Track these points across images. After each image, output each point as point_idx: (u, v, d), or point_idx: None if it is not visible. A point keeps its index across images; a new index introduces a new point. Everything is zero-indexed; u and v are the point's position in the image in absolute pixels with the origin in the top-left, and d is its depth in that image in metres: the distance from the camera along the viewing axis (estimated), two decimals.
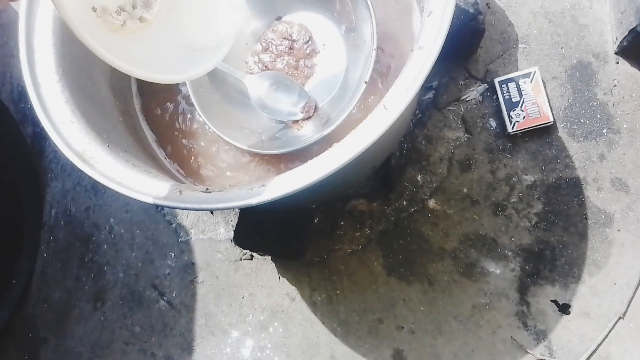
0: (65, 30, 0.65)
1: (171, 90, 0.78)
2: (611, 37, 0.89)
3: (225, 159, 0.74)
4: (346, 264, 0.93)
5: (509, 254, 0.87)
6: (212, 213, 1.02)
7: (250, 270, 0.98)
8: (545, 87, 0.88)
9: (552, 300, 0.85)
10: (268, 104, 0.70)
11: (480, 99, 0.92)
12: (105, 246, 1.07)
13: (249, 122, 0.73)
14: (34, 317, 1.09)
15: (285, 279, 0.96)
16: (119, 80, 0.75)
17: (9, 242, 1.07)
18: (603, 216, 0.85)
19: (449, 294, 0.88)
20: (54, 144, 0.60)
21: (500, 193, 0.89)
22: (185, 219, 1.03)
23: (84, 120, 0.62)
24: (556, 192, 0.87)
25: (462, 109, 0.92)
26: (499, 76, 0.90)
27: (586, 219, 0.86)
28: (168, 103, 0.78)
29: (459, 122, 0.92)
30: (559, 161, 0.88)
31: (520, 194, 0.88)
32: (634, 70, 0.88)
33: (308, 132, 0.70)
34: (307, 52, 0.73)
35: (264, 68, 0.74)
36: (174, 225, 1.03)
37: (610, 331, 0.82)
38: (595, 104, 0.88)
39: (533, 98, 0.87)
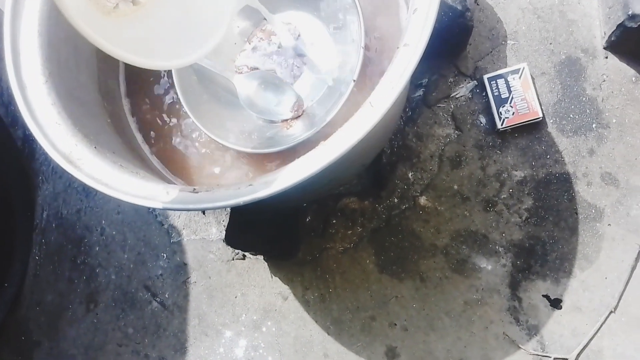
0: (52, 32, 0.64)
1: (160, 90, 0.77)
2: (600, 32, 0.90)
3: (214, 158, 0.74)
4: (338, 262, 0.93)
5: (500, 249, 0.88)
6: (203, 213, 1.02)
7: (243, 270, 0.98)
8: (534, 83, 0.89)
9: (543, 295, 0.85)
10: (257, 103, 0.70)
11: (470, 96, 0.92)
12: (97, 248, 1.06)
13: (237, 121, 0.73)
14: (26, 320, 1.08)
15: (277, 278, 0.96)
16: (107, 81, 0.75)
17: (0, 245, 1.07)
18: (593, 211, 0.86)
19: (440, 291, 0.89)
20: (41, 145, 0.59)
21: (490, 189, 0.89)
22: (177, 219, 1.03)
23: (70, 122, 0.61)
24: (546, 188, 0.88)
25: (452, 106, 0.93)
26: (488, 73, 0.90)
27: (576, 213, 0.86)
28: (157, 103, 0.77)
29: (449, 119, 0.92)
30: (548, 157, 0.88)
31: (511, 190, 0.89)
32: (622, 65, 0.88)
33: (297, 131, 0.70)
34: (296, 51, 0.73)
35: (253, 67, 0.73)
36: (165, 226, 1.03)
37: (601, 325, 0.83)
38: (584, 99, 0.88)
39: (522, 94, 0.88)
